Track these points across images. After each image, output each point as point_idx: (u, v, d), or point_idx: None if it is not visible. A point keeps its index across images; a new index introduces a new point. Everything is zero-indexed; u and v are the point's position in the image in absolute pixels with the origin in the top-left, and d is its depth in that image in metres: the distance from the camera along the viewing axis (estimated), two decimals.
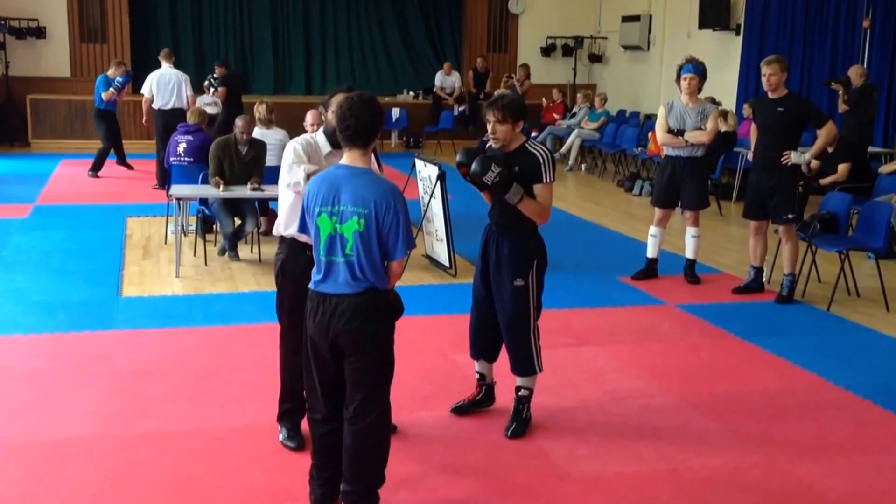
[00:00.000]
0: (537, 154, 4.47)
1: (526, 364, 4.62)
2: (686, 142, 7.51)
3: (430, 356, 5.87)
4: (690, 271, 7.89)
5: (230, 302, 6.99)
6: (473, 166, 4.32)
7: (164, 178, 10.75)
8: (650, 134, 13.39)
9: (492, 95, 15.77)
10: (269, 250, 8.63)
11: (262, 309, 6.66)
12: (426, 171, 8.28)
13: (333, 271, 3.54)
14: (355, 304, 3.52)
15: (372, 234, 3.48)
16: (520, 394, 4.72)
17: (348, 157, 3.56)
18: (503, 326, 4.62)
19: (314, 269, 3.62)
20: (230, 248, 8.19)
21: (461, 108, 17.48)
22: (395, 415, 4.38)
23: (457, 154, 4.55)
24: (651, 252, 7.95)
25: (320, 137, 4.32)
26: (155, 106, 11.86)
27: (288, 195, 4.23)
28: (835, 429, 4.85)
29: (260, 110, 9.07)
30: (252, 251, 8.44)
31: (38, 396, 5.02)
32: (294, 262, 4.22)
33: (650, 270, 7.93)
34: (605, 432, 4.72)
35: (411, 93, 18.49)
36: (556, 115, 16.49)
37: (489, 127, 4.47)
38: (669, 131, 7.60)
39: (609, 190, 13.33)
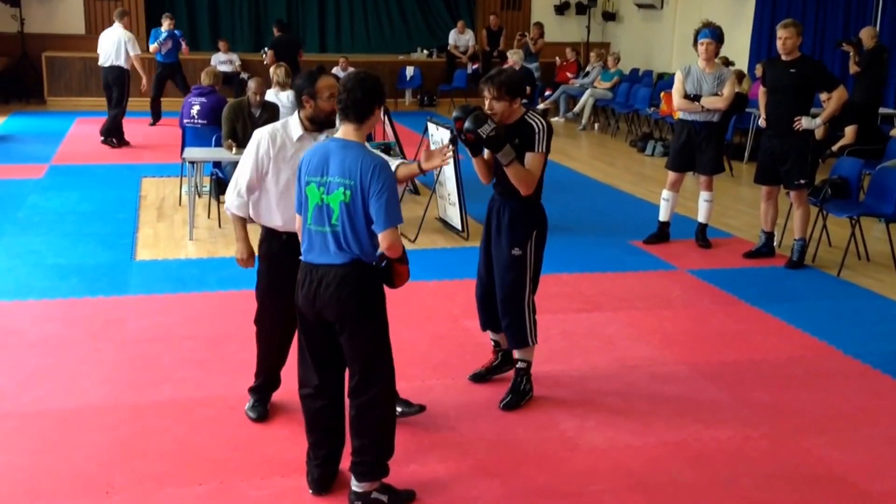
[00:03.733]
0: (534, 124, 4.41)
1: (518, 336, 4.60)
2: (702, 107, 7.47)
3: (442, 322, 5.89)
4: (702, 235, 7.88)
5: None
6: (467, 122, 4.24)
7: (112, 133, 12.09)
8: (663, 94, 13.28)
9: (505, 53, 15.72)
10: None
11: None
12: (438, 135, 8.26)
13: (320, 241, 3.55)
14: (341, 276, 3.52)
15: (358, 206, 3.47)
16: (517, 366, 4.73)
17: (342, 131, 3.58)
18: (498, 296, 4.62)
19: (302, 240, 3.64)
20: None
21: (475, 67, 17.36)
22: (406, 381, 4.42)
23: (453, 111, 4.50)
24: (663, 216, 7.93)
25: (292, 122, 4.15)
26: (99, 63, 12.36)
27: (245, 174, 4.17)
28: (844, 399, 4.86)
29: (278, 73, 9.02)
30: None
31: (50, 363, 5.07)
32: (268, 244, 4.28)
33: (662, 234, 7.93)
34: (614, 402, 4.74)
35: (425, 51, 18.38)
36: (569, 74, 16.38)
37: (486, 103, 4.41)
38: (686, 96, 7.55)
39: (621, 150, 13.26)
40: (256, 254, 4.40)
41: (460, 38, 17.72)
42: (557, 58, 16.85)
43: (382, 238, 3.49)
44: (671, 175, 7.87)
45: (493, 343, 4.98)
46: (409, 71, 17.38)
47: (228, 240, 7.71)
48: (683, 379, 5.07)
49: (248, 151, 4.15)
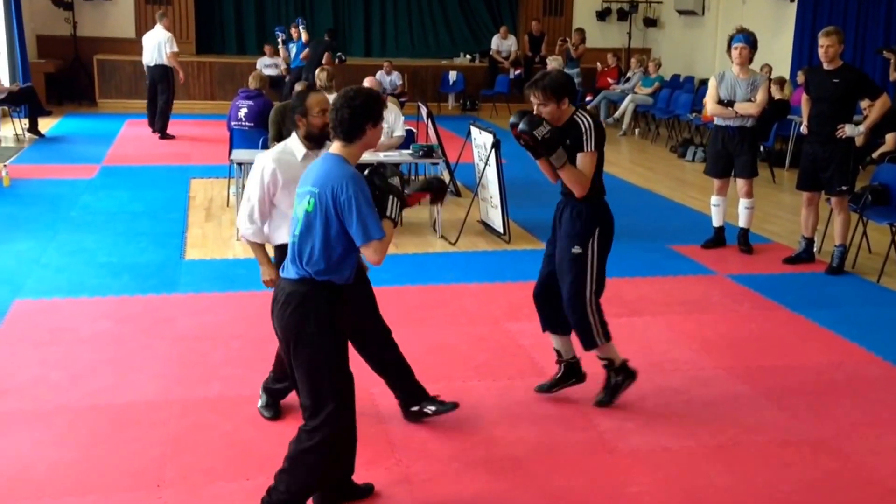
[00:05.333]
0: (581, 123, 4.39)
1: (585, 338, 4.60)
2: (735, 112, 7.50)
3: (484, 324, 5.97)
4: (744, 240, 7.90)
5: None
6: (522, 124, 4.27)
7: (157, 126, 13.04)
8: (704, 100, 13.25)
9: (546, 59, 15.76)
10: None
11: None
12: (481, 139, 8.34)
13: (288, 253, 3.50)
14: (288, 292, 3.41)
15: (317, 218, 3.34)
16: (603, 364, 4.75)
17: (332, 147, 3.51)
18: (563, 297, 4.61)
19: None
20: None
21: (517, 72, 17.42)
22: (447, 382, 4.48)
23: (511, 116, 4.49)
24: (716, 221, 8.00)
25: (293, 143, 4.26)
26: (144, 62, 13.39)
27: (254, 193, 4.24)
28: (884, 405, 4.87)
29: (320, 77, 9.16)
30: None
31: (102, 359, 5.22)
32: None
33: (719, 239, 8.00)
34: (654, 405, 4.79)
35: (468, 56, 18.49)
36: (610, 80, 16.38)
37: (534, 109, 4.41)
38: (720, 102, 7.58)
39: (662, 155, 13.25)
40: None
41: (503, 44, 17.80)
42: (598, 63, 16.87)
43: (366, 250, 3.33)
44: (716, 181, 7.92)
45: (555, 353, 4.86)
46: (452, 75, 17.49)
47: None
48: (722, 383, 5.10)
49: (254, 179, 4.20)
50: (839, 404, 4.86)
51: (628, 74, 16.09)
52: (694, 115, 13.48)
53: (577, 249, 4.51)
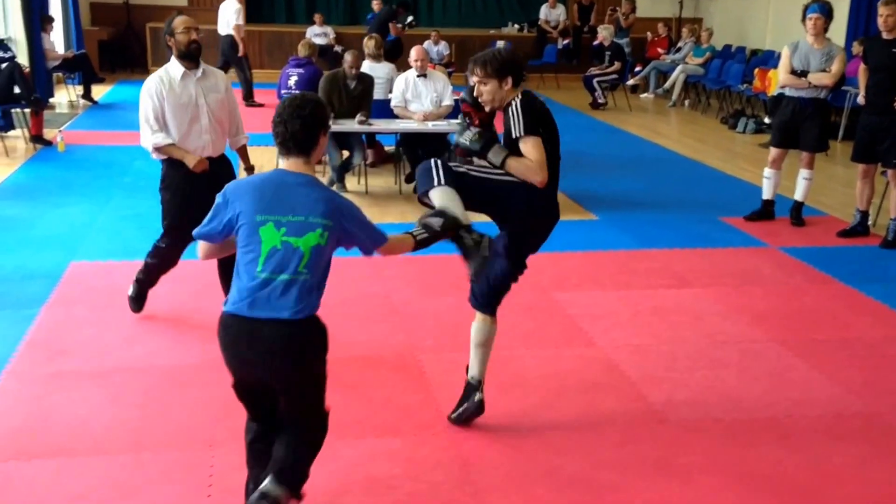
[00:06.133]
0: (510, 108, 3.83)
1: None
2: (809, 83, 7.34)
3: (531, 293, 5.93)
4: (797, 213, 7.78)
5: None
6: (456, 135, 3.94)
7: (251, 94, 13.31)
8: (757, 70, 13.04)
9: (597, 30, 15.59)
10: (376, 182, 8.84)
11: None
12: None
13: (270, 293, 3.02)
14: (295, 334, 3.05)
15: (327, 252, 3.10)
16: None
17: (290, 164, 3.15)
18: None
19: (237, 290, 3.09)
20: (338, 179, 8.39)
21: (565, 42, 17.25)
22: (494, 351, 4.49)
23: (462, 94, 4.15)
24: (767, 194, 7.86)
25: (171, 65, 4.94)
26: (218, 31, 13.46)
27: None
28: None
29: (369, 45, 9.16)
30: (359, 183, 8.63)
31: (155, 321, 5.31)
32: (170, 175, 5.15)
33: (766, 212, 7.86)
34: (704, 377, 4.75)
35: (516, 25, 18.34)
36: (660, 50, 16.18)
37: (475, 87, 3.93)
38: (793, 72, 7.43)
39: (712, 127, 13.08)
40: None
41: (551, 13, 17.61)
42: (649, 33, 16.64)
43: (384, 251, 3.27)
44: (773, 152, 7.77)
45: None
46: (500, 45, 17.34)
47: None
48: (774, 356, 5.05)
49: (143, 99, 4.94)
50: (893, 379, 4.78)
51: (679, 44, 15.86)
52: (745, 85, 13.27)
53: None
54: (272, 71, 14.85)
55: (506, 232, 4.04)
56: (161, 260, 5.33)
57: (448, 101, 8.51)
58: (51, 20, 12.77)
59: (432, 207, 3.70)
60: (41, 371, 4.62)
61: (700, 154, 10.92)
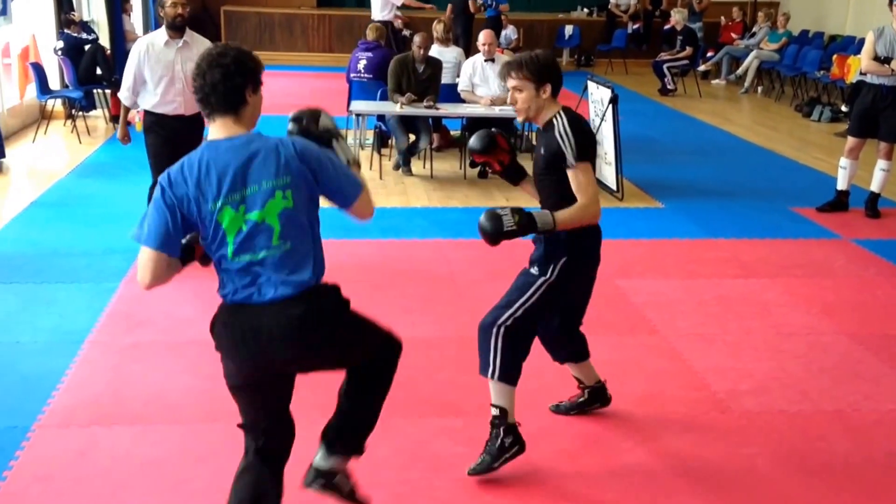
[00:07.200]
0: (555, 127, 3.44)
1: (482, 360, 3.72)
2: (892, 70, 7.17)
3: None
4: (872, 205, 7.62)
5: (402, 216, 7.27)
6: (487, 227, 3.44)
7: None
8: (835, 57, 12.76)
9: (669, 14, 15.39)
10: (441, 166, 8.90)
11: (432, 224, 6.95)
12: (598, 94, 8.25)
13: (255, 276, 2.72)
14: (304, 310, 2.77)
15: (302, 208, 2.74)
16: (493, 415, 3.69)
17: (219, 128, 2.70)
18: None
19: (222, 282, 2.80)
20: (404, 163, 8.48)
21: (635, 26, 17.08)
22: None
23: (470, 140, 3.75)
24: (841, 184, 7.71)
25: (159, 32, 5.74)
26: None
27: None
28: None
29: (437, 29, 9.20)
30: (424, 167, 8.70)
31: None
32: (149, 122, 5.93)
33: (839, 203, 7.71)
34: (769, 368, 4.72)
35: (585, 9, 18.19)
36: (733, 35, 15.91)
37: (509, 94, 3.57)
38: (876, 58, 7.26)
39: (786, 114, 12.84)
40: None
41: None
42: (722, 17, 16.37)
43: (360, 207, 2.88)
44: (851, 141, 7.61)
45: (575, 380, 4.19)
46: (568, 30, 17.25)
47: (389, 190, 7.99)
48: (843, 349, 4.99)
49: (131, 58, 5.68)
50: None
51: (754, 29, 15.57)
52: (822, 72, 13.00)
53: (534, 270, 3.63)
54: (341, 55, 15.00)
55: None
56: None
57: None
58: (130, 3, 13.06)
59: None
60: (121, 342, 4.81)
61: (772, 142, 10.75)
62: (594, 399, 4.17)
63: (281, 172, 2.65)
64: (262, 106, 2.79)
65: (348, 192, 2.81)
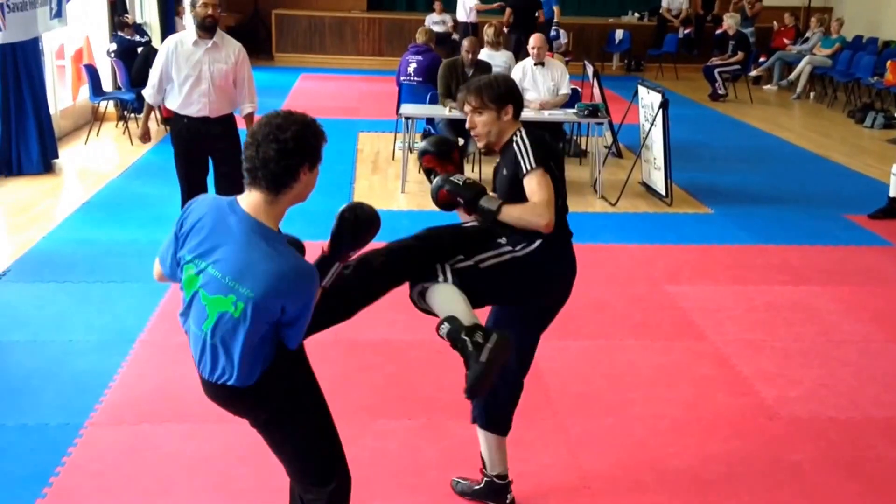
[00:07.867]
0: (513, 141, 3.17)
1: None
2: None
3: (642, 285, 5.94)
4: None
5: (451, 219, 7.27)
6: (437, 181, 3.25)
7: None
8: (889, 63, 12.55)
9: (720, 19, 15.24)
10: (489, 169, 8.90)
11: None
12: (648, 98, 8.22)
13: (199, 347, 2.66)
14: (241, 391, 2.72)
15: (247, 327, 2.47)
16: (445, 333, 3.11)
17: (250, 200, 2.49)
18: None
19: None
20: None
21: (686, 31, 16.93)
22: (604, 339, 4.50)
23: (421, 143, 3.52)
24: (894, 191, 7.63)
25: (189, 31, 5.69)
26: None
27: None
28: None
29: (488, 32, 9.23)
30: (472, 170, 8.72)
31: None
32: (175, 126, 5.96)
33: (891, 210, 7.60)
34: (818, 375, 4.67)
35: (636, 14, 18.09)
36: (786, 40, 15.72)
37: (467, 119, 3.26)
38: None
39: (838, 121, 12.65)
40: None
41: (673, 1, 17.29)
42: (775, 22, 16.18)
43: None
44: None
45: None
46: (619, 34, 17.16)
47: None
48: (894, 356, 4.91)
49: (160, 54, 5.70)
50: None
51: (807, 34, 15.37)
52: (876, 78, 12.79)
53: (502, 240, 3.23)
54: (390, 59, 15.09)
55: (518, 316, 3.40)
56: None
57: (565, 90, 8.51)
58: (184, 5, 13.30)
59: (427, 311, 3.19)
60: (171, 341, 4.88)
61: (824, 148, 10.60)
62: (488, 495, 3.51)
63: (254, 287, 2.40)
64: (314, 181, 2.57)
65: (291, 342, 2.60)
